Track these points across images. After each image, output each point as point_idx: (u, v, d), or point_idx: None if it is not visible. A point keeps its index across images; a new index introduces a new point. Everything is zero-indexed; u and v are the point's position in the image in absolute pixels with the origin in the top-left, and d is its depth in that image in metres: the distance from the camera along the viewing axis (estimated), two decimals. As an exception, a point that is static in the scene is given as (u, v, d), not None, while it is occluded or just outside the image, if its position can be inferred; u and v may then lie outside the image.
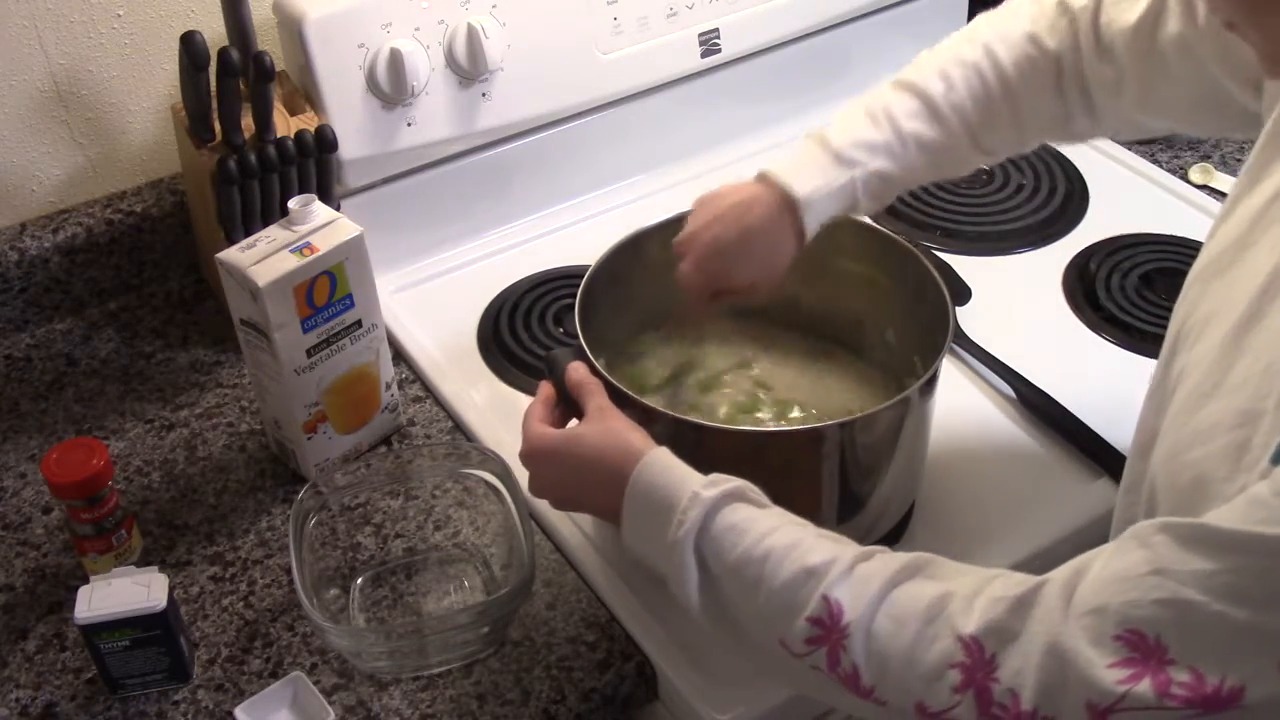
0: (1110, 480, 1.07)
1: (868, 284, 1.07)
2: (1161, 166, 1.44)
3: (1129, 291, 1.26)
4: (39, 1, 1.17)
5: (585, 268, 1.03)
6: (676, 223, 1.07)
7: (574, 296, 1.01)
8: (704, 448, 0.84)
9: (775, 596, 0.75)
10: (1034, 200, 1.40)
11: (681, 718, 0.95)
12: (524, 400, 1.17)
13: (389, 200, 1.28)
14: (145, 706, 0.93)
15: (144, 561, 1.02)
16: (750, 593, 0.76)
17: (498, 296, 1.29)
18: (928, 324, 0.99)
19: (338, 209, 1.11)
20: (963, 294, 1.26)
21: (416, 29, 1.21)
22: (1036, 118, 0.99)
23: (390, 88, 1.20)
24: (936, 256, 1.30)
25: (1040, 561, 1.00)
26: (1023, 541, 1.03)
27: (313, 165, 1.16)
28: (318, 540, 1.01)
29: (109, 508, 0.99)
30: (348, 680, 0.95)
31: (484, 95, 1.27)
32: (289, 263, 1.00)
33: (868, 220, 1.10)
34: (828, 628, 0.73)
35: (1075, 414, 1.12)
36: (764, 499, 0.81)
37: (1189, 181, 1.42)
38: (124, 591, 0.90)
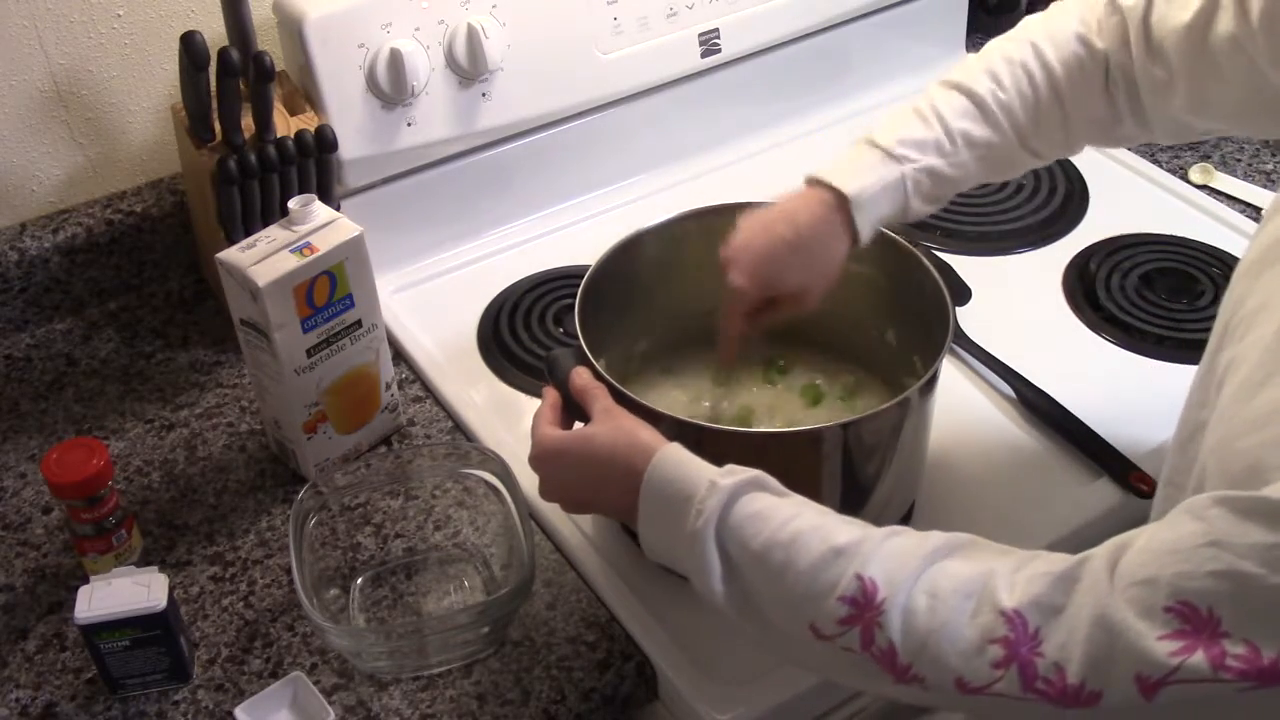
0: (1110, 480, 1.07)
1: (868, 284, 1.07)
2: (1161, 166, 1.44)
3: (1129, 291, 1.26)
4: (39, 1, 1.17)
5: (585, 268, 1.03)
6: (677, 223, 1.07)
7: (574, 296, 1.01)
8: (705, 449, 0.84)
9: (804, 578, 0.74)
10: (1034, 200, 1.40)
11: (681, 718, 0.95)
12: (524, 400, 1.17)
13: (389, 200, 1.28)
14: (145, 706, 0.93)
15: (144, 561, 1.02)
16: (777, 578, 0.76)
17: (498, 296, 1.29)
18: (928, 324, 0.99)
19: (338, 209, 1.11)
20: (963, 294, 1.27)
21: (416, 29, 1.21)
22: (1084, 119, 0.98)
23: (390, 88, 1.20)
24: (936, 256, 1.30)
25: (1040, 561, 1.00)
26: (1022, 542, 1.00)
27: (313, 165, 1.16)
28: (318, 540, 1.01)
29: (109, 508, 0.99)
30: (348, 680, 0.95)
31: (484, 95, 1.27)
32: (289, 263, 1.00)
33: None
34: (861, 606, 0.72)
35: (1075, 414, 1.12)
36: (782, 488, 0.81)
37: (1189, 181, 1.42)
38: (124, 591, 0.90)
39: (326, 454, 1.10)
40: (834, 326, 1.12)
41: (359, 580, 1.02)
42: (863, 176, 0.95)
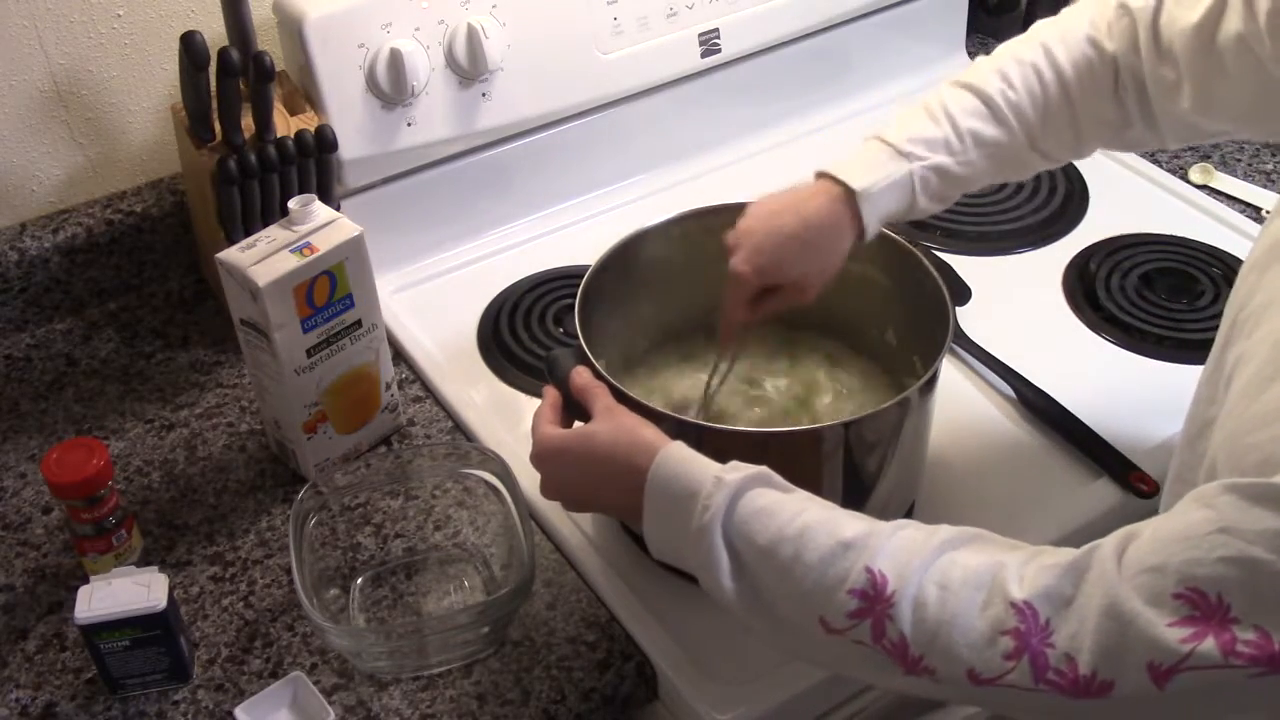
0: (1110, 480, 1.07)
1: (868, 284, 1.07)
2: (1161, 166, 1.44)
3: (1129, 291, 1.26)
4: (39, 1, 1.17)
5: (585, 268, 1.03)
6: (677, 223, 1.07)
7: (574, 296, 1.01)
8: (705, 448, 0.84)
9: (813, 572, 0.74)
10: (1034, 200, 1.40)
11: (681, 718, 0.95)
12: (524, 400, 1.17)
13: (389, 200, 1.28)
14: (145, 706, 0.93)
15: (144, 561, 1.02)
16: (785, 572, 0.76)
17: (498, 296, 1.29)
18: (928, 324, 0.99)
19: (338, 209, 1.11)
20: (963, 294, 1.27)
21: (416, 29, 1.21)
22: (1093, 120, 0.98)
23: (390, 88, 1.20)
24: (936, 256, 1.30)
25: (1040, 561, 1.01)
26: (1022, 541, 1.03)
27: (313, 165, 1.16)
28: (318, 540, 1.01)
29: (109, 508, 0.99)
30: (348, 680, 0.95)
31: (484, 95, 1.27)
32: (289, 263, 1.00)
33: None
34: (871, 599, 0.72)
35: (1075, 414, 1.12)
36: (786, 483, 0.81)
37: (1189, 181, 1.42)
38: (124, 591, 0.90)
39: (326, 454, 1.10)
40: (834, 326, 1.12)
41: (359, 580, 1.02)
42: (871, 172, 0.95)
